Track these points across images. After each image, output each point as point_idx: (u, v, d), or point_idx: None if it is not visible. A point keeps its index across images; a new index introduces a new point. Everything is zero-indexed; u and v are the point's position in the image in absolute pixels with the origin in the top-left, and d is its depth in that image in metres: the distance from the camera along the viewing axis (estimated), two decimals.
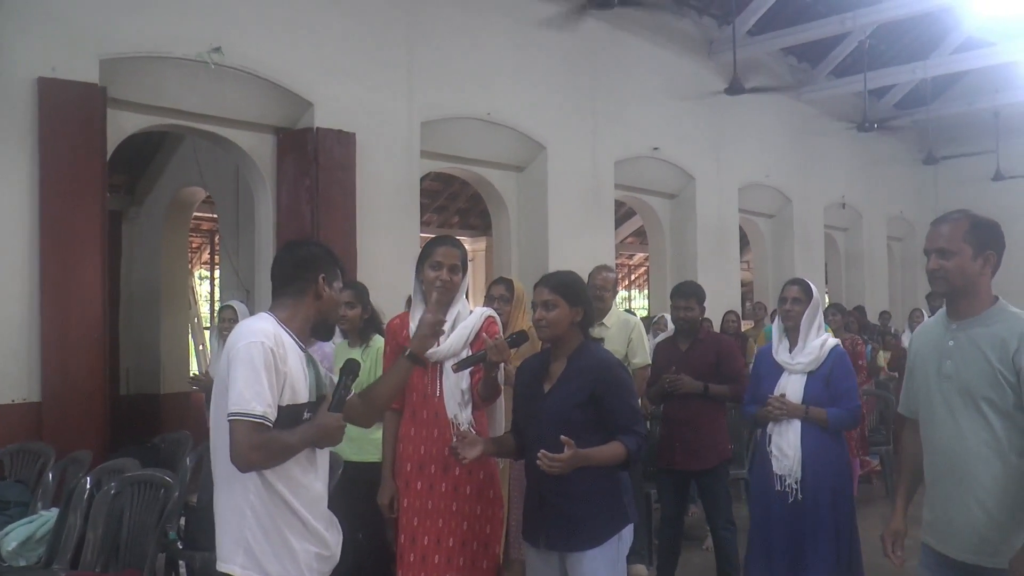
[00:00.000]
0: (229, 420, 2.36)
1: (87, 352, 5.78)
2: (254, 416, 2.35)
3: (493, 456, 3.43)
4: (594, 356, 3.13)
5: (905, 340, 10.07)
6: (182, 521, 4.43)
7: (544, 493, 3.08)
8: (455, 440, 3.15)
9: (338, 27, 7.35)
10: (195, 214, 10.61)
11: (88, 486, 4.19)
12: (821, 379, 4.07)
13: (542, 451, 2.87)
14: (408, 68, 7.84)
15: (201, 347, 10.86)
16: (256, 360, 2.38)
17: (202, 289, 13.66)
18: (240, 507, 2.45)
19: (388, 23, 7.74)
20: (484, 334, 3.38)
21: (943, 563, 2.76)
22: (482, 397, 3.38)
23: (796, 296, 4.18)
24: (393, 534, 3.53)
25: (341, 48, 7.35)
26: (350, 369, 2.63)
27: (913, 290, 16.48)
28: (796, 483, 3.98)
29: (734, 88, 10.38)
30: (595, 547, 3.01)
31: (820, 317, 4.19)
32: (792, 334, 4.19)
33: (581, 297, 3.14)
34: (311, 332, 2.66)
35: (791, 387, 4.10)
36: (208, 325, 12.19)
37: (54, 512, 4.35)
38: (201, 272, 13.96)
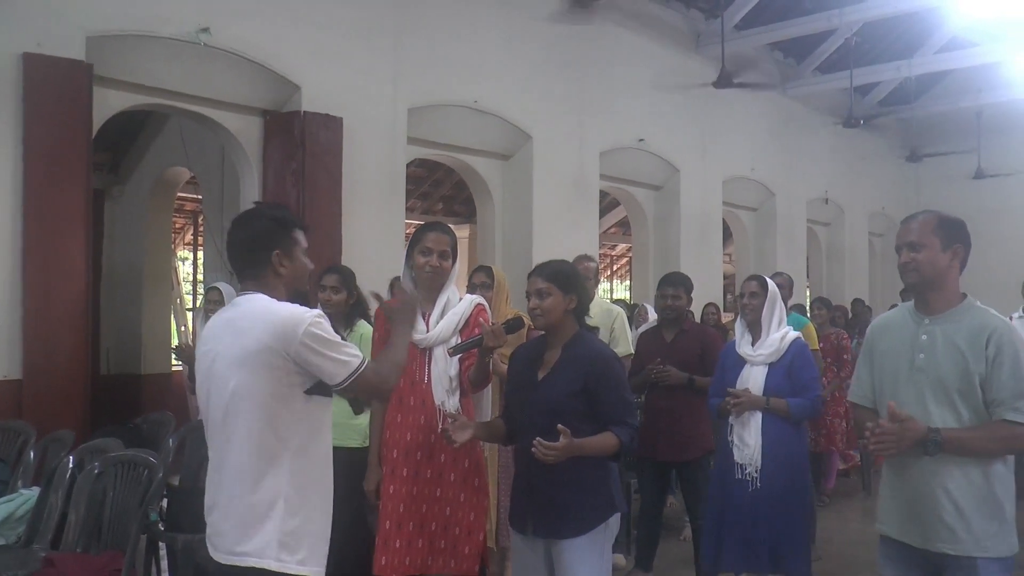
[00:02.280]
0: (351, 383, 2.47)
1: (69, 330, 5.74)
2: (361, 365, 2.49)
3: (484, 440, 3.46)
4: (588, 347, 3.13)
5: None
6: (164, 503, 4.43)
7: (533, 480, 3.08)
8: (447, 423, 3.16)
9: (327, 11, 7.31)
10: (179, 194, 10.54)
11: (70, 466, 4.18)
12: (782, 370, 4.22)
13: (538, 439, 2.87)
14: (396, 54, 7.82)
15: (183, 328, 10.81)
16: (326, 331, 2.46)
17: (184, 270, 13.59)
18: (272, 500, 2.43)
19: (377, 8, 7.71)
20: (480, 319, 3.38)
21: (905, 553, 2.84)
22: (472, 383, 3.38)
23: (753, 291, 4.36)
24: (374, 520, 3.54)
25: (329, 32, 7.32)
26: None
27: (893, 286, 16.55)
28: (756, 471, 4.14)
29: (722, 82, 10.40)
30: (581, 535, 3.03)
31: (780, 310, 4.35)
32: (754, 328, 4.35)
33: (574, 285, 3.14)
34: None
35: (753, 379, 4.26)
36: (190, 306, 12.14)
37: (35, 491, 4.33)
38: (183, 253, 13.89)
